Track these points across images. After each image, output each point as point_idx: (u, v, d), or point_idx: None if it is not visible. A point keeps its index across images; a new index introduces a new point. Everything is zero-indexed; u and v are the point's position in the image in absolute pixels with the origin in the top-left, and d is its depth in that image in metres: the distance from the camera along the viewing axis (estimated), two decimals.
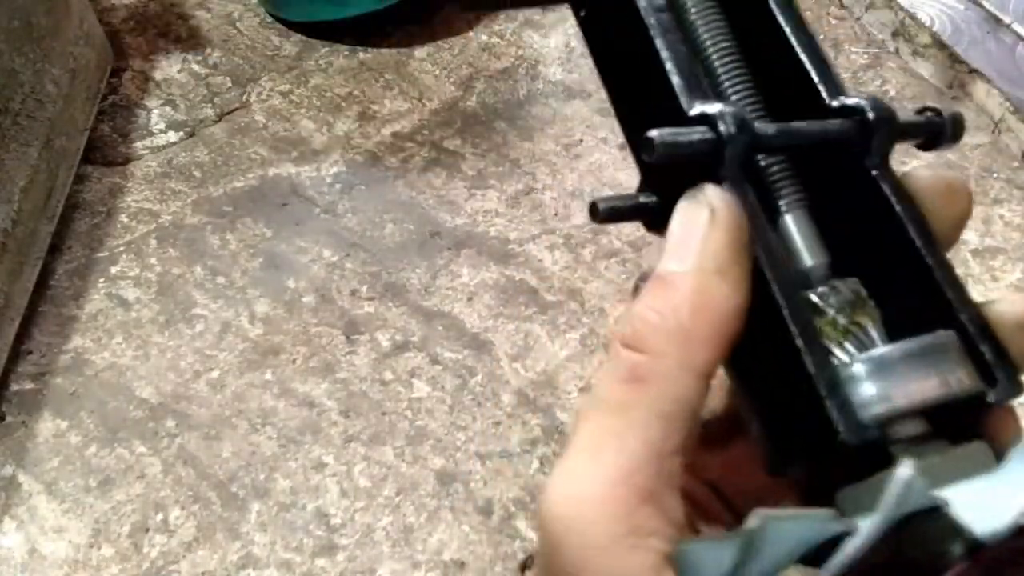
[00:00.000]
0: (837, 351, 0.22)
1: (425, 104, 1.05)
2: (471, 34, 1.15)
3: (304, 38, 1.13)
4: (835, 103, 0.24)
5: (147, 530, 0.69)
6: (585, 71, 1.11)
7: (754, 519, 0.18)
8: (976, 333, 0.22)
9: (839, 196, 0.24)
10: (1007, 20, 1.15)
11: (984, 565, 0.18)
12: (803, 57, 0.25)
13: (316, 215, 0.92)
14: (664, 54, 0.24)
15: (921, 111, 0.25)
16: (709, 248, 0.21)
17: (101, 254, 0.88)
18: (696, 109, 0.22)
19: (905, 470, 0.18)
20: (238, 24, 1.15)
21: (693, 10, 0.26)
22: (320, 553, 0.68)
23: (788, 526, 0.18)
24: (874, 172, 0.23)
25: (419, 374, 0.79)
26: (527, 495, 0.72)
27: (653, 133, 0.21)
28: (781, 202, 0.24)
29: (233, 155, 0.98)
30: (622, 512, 0.21)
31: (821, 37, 1.19)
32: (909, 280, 0.23)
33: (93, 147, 0.97)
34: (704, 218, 0.22)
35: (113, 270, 0.87)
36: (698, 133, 0.21)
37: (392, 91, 1.07)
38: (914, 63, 1.16)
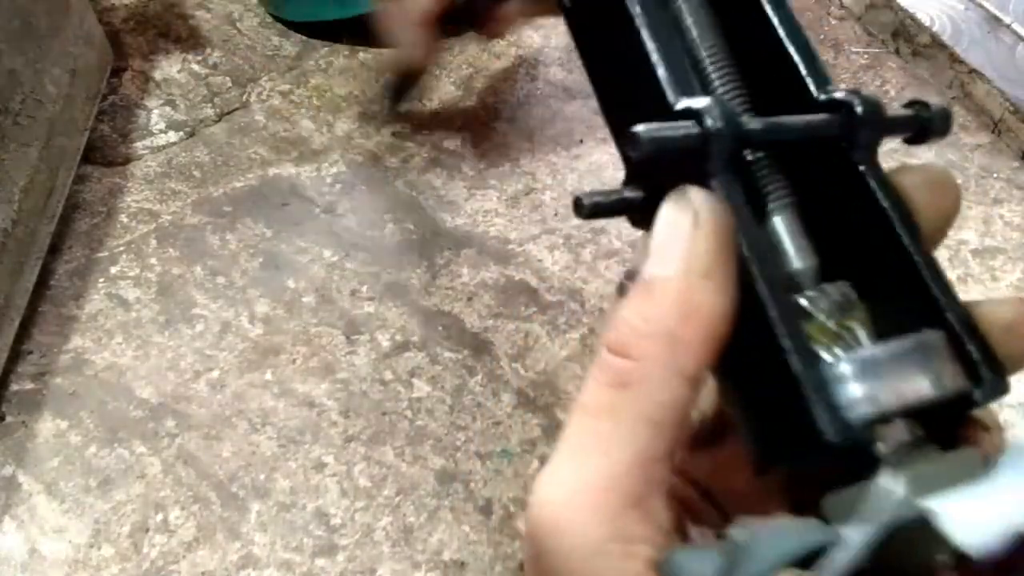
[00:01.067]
0: (826, 355, 0.22)
1: (425, 104, 1.05)
2: (471, 34, 1.15)
3: (304, 38, 1.13)
4: (822, 97, 0.24)
5: (147, 530, 0.69)
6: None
7: (738, 530, 0.18)
8: (963, 332, 0.22)
9: (826, 190, 0.24)
10: (1007, 20, 1.15)
11: None
12: (791, 51, 0.25)
13: (316, 215, 0.92)
14: (651, 46, 0.23)
15: (909, 105, 0.25)
16: (694, 252, 0.21)
17: (101, 254, 0.88)
18: (682, 104, 0.22)
19: (890, 482, 0.17)
20: (238, 24, 1.15)
21: (682, 5, 0.25)
22: (320, 553, 0.68)
23: (772, 538, 0.18)
24: (861, 167, 0.23)
25: (419, 374, 0.79)
26: (527, 495, 0.72)
27: (639, 128, 0.21)
28: (770, 202, 0.24)
29: (233, 155, 0.98)
30: (608, 517, 0.21)
31: (821, 37, 1.19)
32: (896, 278, 0.23)
33: (93, 147, 0.97)
34: (688, 222, 0.21)
35: (113, 270, 0.87)
36: (684, 128, 0.21)
37: None
38: (914, 63, 1.16)
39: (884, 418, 0.21)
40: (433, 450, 0.74)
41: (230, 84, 1.07)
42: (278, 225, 0.91)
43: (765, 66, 0.25)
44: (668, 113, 0.22)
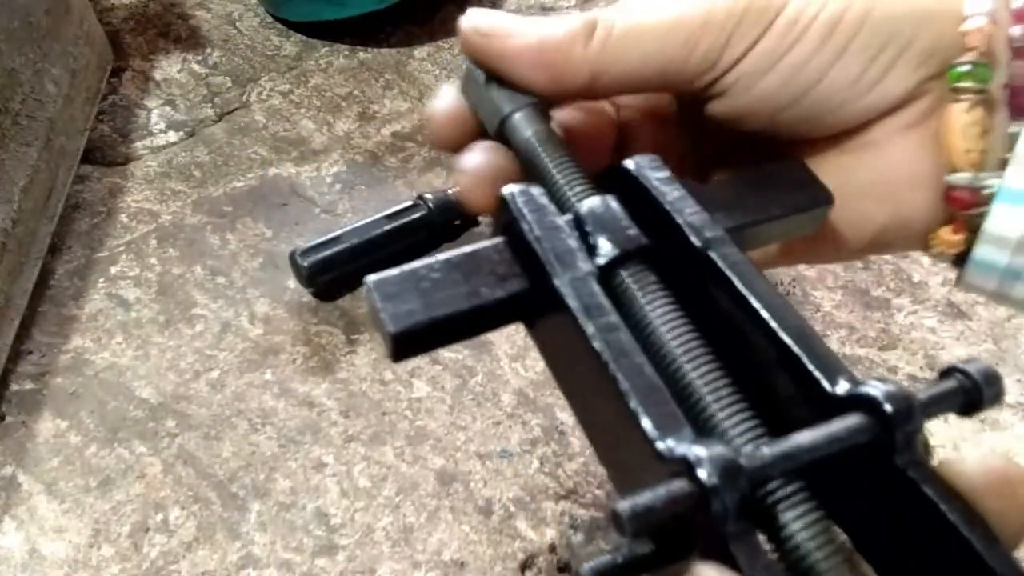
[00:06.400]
0: None
1: (425, 104, 1.05)
2: None
3: (304, 38, 1.13)
4: (840, 390, 0.20)
5: (147, 530, 0.69)
6: None
7: None
8: None
9: (867, 495, 0.20)
10: None
11: None
12: (789, 341, 0.21)
13: (316, 215, 0.92)
14: (624, 384, 0.20)
15: (947, 373, 0.21)
16: None
17: (101, 254, 0.88)
18: (670, 451, 0.18)
19: None
20: (238, 24, 1.15)
21: (650, 313, 0.22)
22: (320, 553, 0.68)
23: None
24: (909, 473, 0.19)
25: (419, 374, 0.79)
26: (527, 495, 0.72)
27: (620, 505, 0.17)
28: (822, 568, 0.18)
29: (233, 155, 0.98)
30: None
31: None
32: None
33: (93, 147, 0.97)
34: None
35: (113, 270, 0.87)
36: (676, 487, 0.17)
37: (392, 91, 1.07)
38: None
39: None
40: (433, 450, 0.74)
41: (230, 84, 1.07)
42: (278, 225, 0.91)
43: (762, 364, 0.21)
44: (654, 457, 0.19)
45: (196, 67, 1.08)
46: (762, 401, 0.21)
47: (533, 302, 0.23)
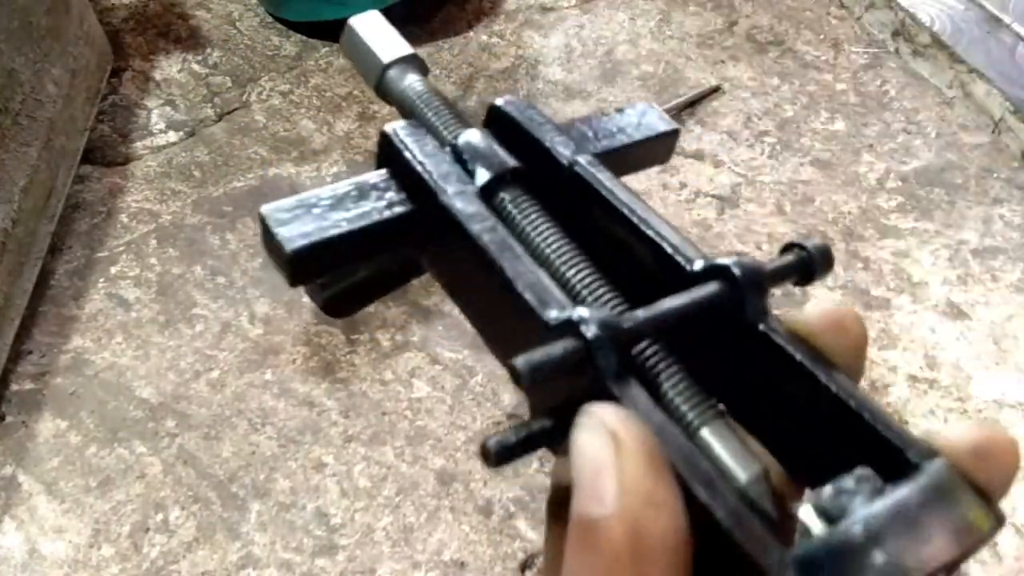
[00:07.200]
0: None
1: None
2: (471, 34, 1.15)
3: (304, 38, 1.13)
4: (697, 267, 0.23)
5: (147, 530, 0.69)
6: (585, 71, 1.11)
7: None
8: (946, 478, 0.19)
9: (728, 356, 0.23)
10: (1007, 20, 1.15)
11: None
12: (649, 232, 0.24)
13: None
14: (509, 272, 0.23)
15: (788, 248, 0.24)
16: (627, 480, 0.18)
17: (101, 254, 0.88)
18: (555, 319, 0.21)
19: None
20: (238, 24, 1.15)
21: (525, 224, 0.25)
22: (320, 553, 0.68)
23: None
24: (760, 327, 0.22)
25: (419, 374, 0.79)
26: (527, 495, 0.72)
27: (517, 360, 0.19)
28: (692, 416, 0.21)
29: (233, 155, 0.98)
30: None
31: (821, 37, 1.19)
32: (836, 430, 0.21)
33: (93, 147, 0.97)
34: (608, 447, 0.18)
35: (113, 270, 0.87)
36: (563, 345, 0.20)
37: None
38: (914, 63, 1.16)
39: None
40: (433, 450, 0.74)
41: (230, 84, 1.07)
42: None
43: (629, 262, 0.25)
44: (545, 331, 0.21)
45: (196, 67, 1.08)
46: (635, 295, 0.24)
47: (419, 224, 0.26)
